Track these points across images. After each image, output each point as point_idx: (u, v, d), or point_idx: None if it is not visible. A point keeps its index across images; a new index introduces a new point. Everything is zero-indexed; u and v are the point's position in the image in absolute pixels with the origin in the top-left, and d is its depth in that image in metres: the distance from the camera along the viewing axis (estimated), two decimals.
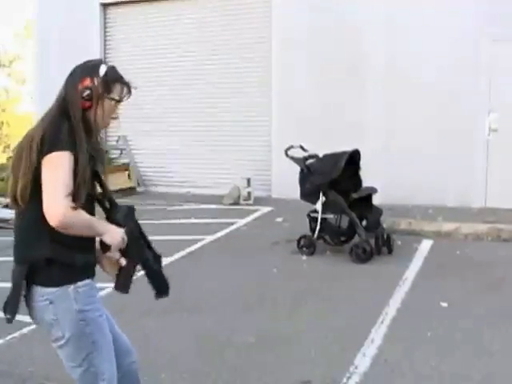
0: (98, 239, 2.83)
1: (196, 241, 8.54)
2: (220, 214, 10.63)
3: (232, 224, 9.63)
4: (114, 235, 2.79)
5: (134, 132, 13.83)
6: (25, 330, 5.29)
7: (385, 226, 7.96)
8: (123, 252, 2.91)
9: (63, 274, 2.73)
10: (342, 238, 7.78)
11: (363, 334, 5.04)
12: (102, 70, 3.07)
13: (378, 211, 7.76)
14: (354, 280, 6.70)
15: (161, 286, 3.24)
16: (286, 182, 10.08)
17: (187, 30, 13.24)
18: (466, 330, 5.16)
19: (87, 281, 2.82)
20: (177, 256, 7.81)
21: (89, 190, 2.72)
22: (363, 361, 4.55)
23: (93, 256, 2.89)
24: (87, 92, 2.87)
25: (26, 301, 2.76)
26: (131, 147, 13.90)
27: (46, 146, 2.63)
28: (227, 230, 9.27)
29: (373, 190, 7.81)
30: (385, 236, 7.73)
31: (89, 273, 2.87)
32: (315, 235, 7.70)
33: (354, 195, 7.51)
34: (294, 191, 8.21)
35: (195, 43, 13.14)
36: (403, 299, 5.98)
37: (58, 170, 2.61)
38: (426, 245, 8.13)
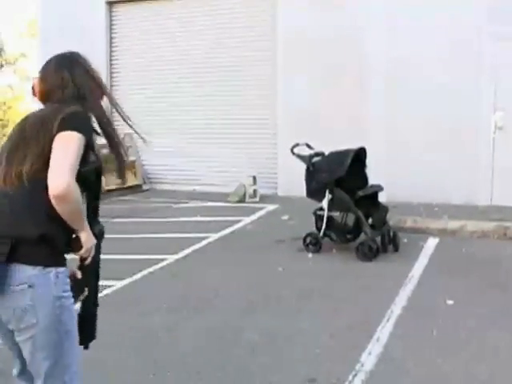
0: None
1: (201, 239, 8.54)
2: (226, 211, 10.63)
3: (238, 222, 9.63)
4: (91, 238, 2.82)
5: (140, 129, 13.80)
6: None
7: (391, 223, 7.95)
8: (82, 265, 2.89)
9: (51, 255, 2.68)
10: (348, 236, 7.75)
11: (369, 332, 5.03)
12: None
13: (384, 209, 7.75)
14: (360, 278, 6.69)
15: (91, 333, 3.09)
16: (292, 180, 10.09)
17: (192, 27, 13.25)
18: (471, 328, 5.15)
19: (65, 268, 2.75)
20: (182, 254, 7.80)
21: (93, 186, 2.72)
22: (369, 359, 4.54)
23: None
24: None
25: None
26: (137, 145, 13.90)
27: (66, 126, 2.68)
28: (233, 228, 9.27)
29: (379, 188, 7.80)
30: (391, 234, 7.72)
31: (65, 260, 2.80)
32: (321, 233, 7.68)
33: (360, 193, 7.50)
34: (299, 189, 8.21)
35: (200, 41, 13.15)
36: (409, 297, 5.96)
37: (70, 146, 2.66)
38: (431, 243, 8.12)
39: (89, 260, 2.90)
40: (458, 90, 10.52)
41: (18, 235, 2.64)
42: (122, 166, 3.17)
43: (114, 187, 13.11)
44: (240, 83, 12.80)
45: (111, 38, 14.28)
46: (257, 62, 12.62)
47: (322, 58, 11.63)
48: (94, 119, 2.96)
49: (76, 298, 2.89)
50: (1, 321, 2.73)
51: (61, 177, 2.57)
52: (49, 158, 2.64)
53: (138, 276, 6.80)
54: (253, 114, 12.67)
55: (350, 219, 7.52)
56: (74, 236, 2.80)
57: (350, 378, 4.24)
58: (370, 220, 7.52)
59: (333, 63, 11.51)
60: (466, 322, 5.30)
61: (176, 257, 7.65)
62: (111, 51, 14.27)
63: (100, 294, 6.23)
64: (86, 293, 2.98)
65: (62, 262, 2.76)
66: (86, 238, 2.81)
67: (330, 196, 7.60)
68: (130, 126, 3.29)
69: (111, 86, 14.31)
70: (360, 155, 7.61)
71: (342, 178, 7.47)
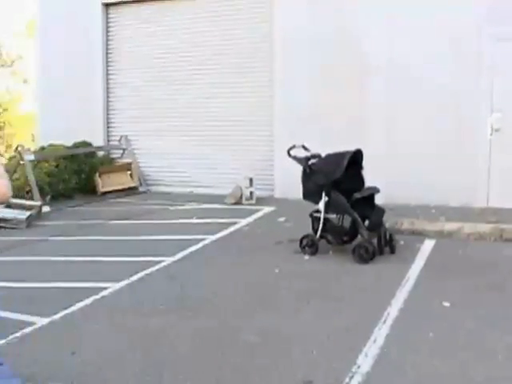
0: None
1: (198, 240, 8.54)
2: (222, 213, 10.63)
3: (234, 224, 9.63)
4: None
5: (136, 132, 13.85)
6: (27, 330, 5.31)
7: (387, 225, 7.95)
8: None
9: None
10: (345, 238, 7.76)
11: (366, 334, 5.03)
12: None
13: (381, 211, 7.75)
14: (357, 280, 6.69)
15: None
16: (289, 182, 10.09)
17: (189, 29, 13.27)
18: (468, 330, 5.15)
19: None
20: (179, 256, 7.80)
21: None
22: (366, 361, 4.54)
23: None
24: None
25: None
26: (133, 147, 13.90)
27: None
28: (229, 230, 9.27)
29: (375, 190, 7.79)
30: (387, 236, 7.72)
31: None
32: (318, 235, 7.69)
33: (357, 195, 7.50)
34: (296, 191, 8.21)
35: (198, 42, 13.17)
36: (405, 299, 5.96)
37: None
38: (428, 245, 8.12)
39: None
40: (457, 90, 10.55)
41: None
42: None
43: (110, 189, 13.14)
44: (237, 85, 12.81)
45: (108, 39, 14.27)
46: (254, 64, 12.63)
47: (320, 59, 11.65)
48: None
49: None
50: None
51: None
52: None
53: (135, 278, 6.80)
54: (250, 115, 12.68)
55: (347, 221, 7.52)
56: None
57: (347, 379, 4.24)
58: (367, 222, 7.51)
59: (332, 64, 11.52)
60: (463, 323, 5.30)
61: (173, 258, 7.65)
62: (108, 53, 14.26)
63: (97, 296, 6.28)
64: None
65: None
66: None
67: (327, 198, 7.61)
68: None
69: (108, 87, 14.32)
70: (356, 157, 7.62)
71: (338, 180, 7.47)
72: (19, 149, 12.07)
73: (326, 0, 11.63)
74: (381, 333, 5.09)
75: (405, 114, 10.99)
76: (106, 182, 13.25)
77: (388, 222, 8.13)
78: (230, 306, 5.91)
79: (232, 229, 9.37)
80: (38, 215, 10.45)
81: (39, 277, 6.97)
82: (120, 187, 13.30)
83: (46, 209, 10.99)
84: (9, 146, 25.07)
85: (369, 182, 7.83)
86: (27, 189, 11.60)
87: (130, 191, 13.31)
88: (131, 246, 8.36)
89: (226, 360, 4.64)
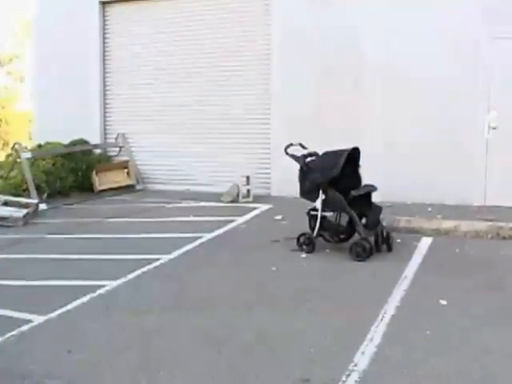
0: None
1: (195, 238, 8.53)
2: (219, 211, 10.62)
3: (231, 222, 9.63)
4: None
5: (133, 130, 13.84)
6: (24, 328, 5.30)
7: (384, 223, 7.96)
8: None
9: None
10: (342, 236, 7.77)
11: (362, 332, 5.04)
12: None
13: (378, 209, 7.76)
14: (354, 278, 6.69)
15: None
16: (286, 180, 10.09)
17: (186, 27, 13.25)
18: (465, 328, 5.16)
19: None
20: (175, 254, 7.79)
21: None
22: (362, 359, 4.54)
23: None
24: None
25: None
26: (130, 145, 13.89)
27: None
28: (226, 228, 9.27)
29: (372, 188, 7.80)
30: (384, 234, 7.73)
31: None
32: (315, 233, 7.69)
33: (354, 193, 7.50)
34: (293, 189, 8.20)
35: (194, 41, 13.16)
36: (402, 297, 5.97)
37: None
38: (425, 243, 8.14)
39: None
40: (454, 89, 10.55)
41: None
42: None
43: (107, 187, 13.13)
44: (234, 83, 12.81)
45: (105, 38, 14.25)
46: (252, 62, 12.62)
47: (318, 58, 11.64)
48: None
49: None
50: None
51: None
52: None
53: (132, 276, 6.79)
54: (247, 114, 12.67)
55: (344, 219, 7.53)
56: None
57: (344, 378, 4.24)
58: (364, 220, 7.52)
59: (329, 63, 11.51)
60: (460, 321, 5.30)
61: (169, 257, 7.64)
62: (105, 51, 14.25)
63: (93, 294, 6.28)
64: None
65: None
66: None
67: (324, 196, 7.61)
68: None
69: (105, 85, 14.31)
70: (354, 155, 7.62)
71: (335, 178, 7.47)
72: (16, 147, 12.05)
73: (325, 0, 11.62)
74: (378, 331, 5.09)
75: (402, 112, 10.99)
76: (103, 180, 13.24)
77: (385, 220, 8.14)
78: (227, 304, 5.90)
79: (229, 227, 9.36)
80: (35, 213, 10.43)
81: (36, 275, 6.96)
82: (117, 185, 13.29)
83: (42, 207, 10.97)
84: (6, 144, 25.04)
85: (366, 180, 7.83)
86: (24, 187, 11.59)
87: (127, 189, 13.30)
88: (128, 244, 8.34)
89: (223, 358, 4.64)
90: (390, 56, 11.01)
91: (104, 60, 14.26)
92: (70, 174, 12.86)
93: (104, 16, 14.24)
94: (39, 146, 13.50)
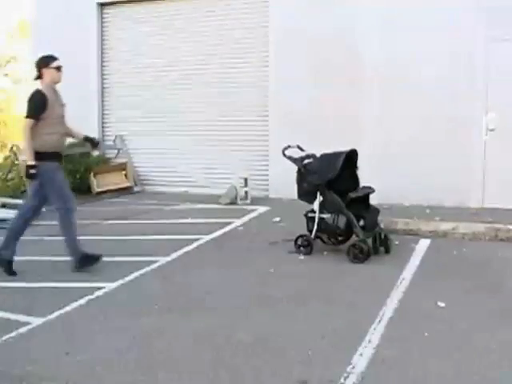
0: None
1: (193, 240, 8.53)
2: (217, 213, 10.62)
3: (229, 224, 9.63)
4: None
5: (131, 132, 13.84)
6: (22, 330, 5.29)
7: (382, 225, 7.97)
8: None
9: None
10: (340, 238, 7.78)
11: (360, 334, 5.04)
12: None
13: (376, 211, 7.76)
14: (352, 280, 6.69)
15: None
16: (283, 182, 10.08)
17: (184, 29, 13.27)
18: (463, 330, 5.16)
19: None
20: (174, 256, 7.79)
21: None
22: (360, 361, 4.54)
23: None
24: None
25: None
26: (128, 147, 13.89)
27: None
28: (224, 230, 9.27)
29: (370, 190, 7.80)
30: (382, 236, 7.74)
31: None
32: (312, 235, 7.69)
33: (352, 195, 7.50)
34: (291, 191, 8.21)
35: (192, 42, 13.18)
36: (400, 299, 5.97)
37: None
38: (423, 244, 8.14)
39: None
40: (452, 90, 10.57)
41: None
42: None
43: (105, 189, 13.13)
44: (232, 85, 12.82)
45: (103, 39, 14.26)
46: (249, 63, 12.64)
47: (316, 59, 11.65)
48: None
49: None
50: None
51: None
52: None
53: (130, 278, 6.79)
54: (244, 116, 12.68)
55: (342, 221, 7.53)
56: None
57: (342, 379, 4.24)
58: (362, 222, 7.52)
59: (327, 63, 11.53)
60: (458, 323, 5.31)
61: (167, 258, 7.64)
62: (103, 52, 14.25)
63: (92, 296, 6.28)
64: None
65: None
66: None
67: (322, 198, 7.62)
68: None
69: (103, 87, 14.31)
70: (351, 157, 7.63)
71: (333, 180, 7.48)
72: (14, 149, 12.05)
73: (323, 0, 11.63)
74: (376, 333, 5.10)
75: (400, 114, 11.00)
76: (101, 182, 13.23)
77: (383, 221, 8.14)
78: (225, 305, 5.90)
79: (227, 229, 9.36)
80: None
81: (34, 277, 6.95)
82: (115, 187, 13.29)
83: None
84: (4, 146, 25.02)
85: (364, 182, 7.84)
86: (22, 189, 11.57)
87: (125, 191, 13.30)
88: (126, 246, 8.33)
89: (221, 360, 4.64)
90: (388, 57, 11.03)
91: (102, 62, 14.26)
92: (68, 176, 12.82)
93: (102, 17, 14.25)
94: None
